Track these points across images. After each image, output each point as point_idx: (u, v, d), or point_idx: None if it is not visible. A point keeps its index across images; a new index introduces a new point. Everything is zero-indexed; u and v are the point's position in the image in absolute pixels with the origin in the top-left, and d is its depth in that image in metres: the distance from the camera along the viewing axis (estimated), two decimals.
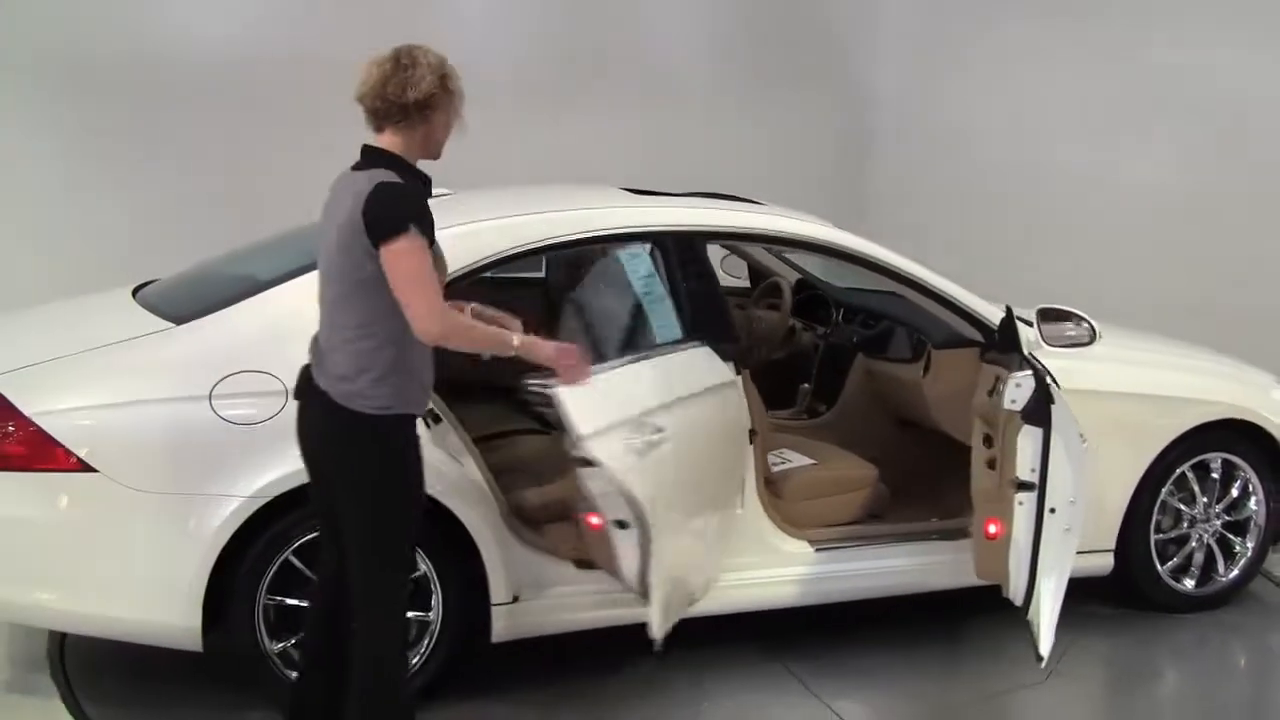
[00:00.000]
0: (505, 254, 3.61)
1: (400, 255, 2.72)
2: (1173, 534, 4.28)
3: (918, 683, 3.78)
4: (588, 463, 3.15)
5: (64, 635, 3.81)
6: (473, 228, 3.63)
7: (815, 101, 7.93)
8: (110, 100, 6.10)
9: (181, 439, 3.27)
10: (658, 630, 3.29)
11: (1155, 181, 6.66)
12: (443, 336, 2.79)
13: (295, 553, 3.35)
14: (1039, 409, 3.43)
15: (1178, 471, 4.21)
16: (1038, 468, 3.41)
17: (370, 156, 2.88)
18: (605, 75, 7.14)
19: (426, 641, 3.47)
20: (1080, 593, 3.82)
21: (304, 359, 3.31)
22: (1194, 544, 4.30)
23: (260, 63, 6.31)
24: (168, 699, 3.60)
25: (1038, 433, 3.41)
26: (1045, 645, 3.45)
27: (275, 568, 3.33)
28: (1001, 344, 3.74)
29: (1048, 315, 4.03)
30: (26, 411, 3.22)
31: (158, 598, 3.29)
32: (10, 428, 3.22)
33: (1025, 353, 3.68)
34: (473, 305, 3.10)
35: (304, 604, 3.34)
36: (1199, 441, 4.21)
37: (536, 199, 4.09)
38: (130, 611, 3.31)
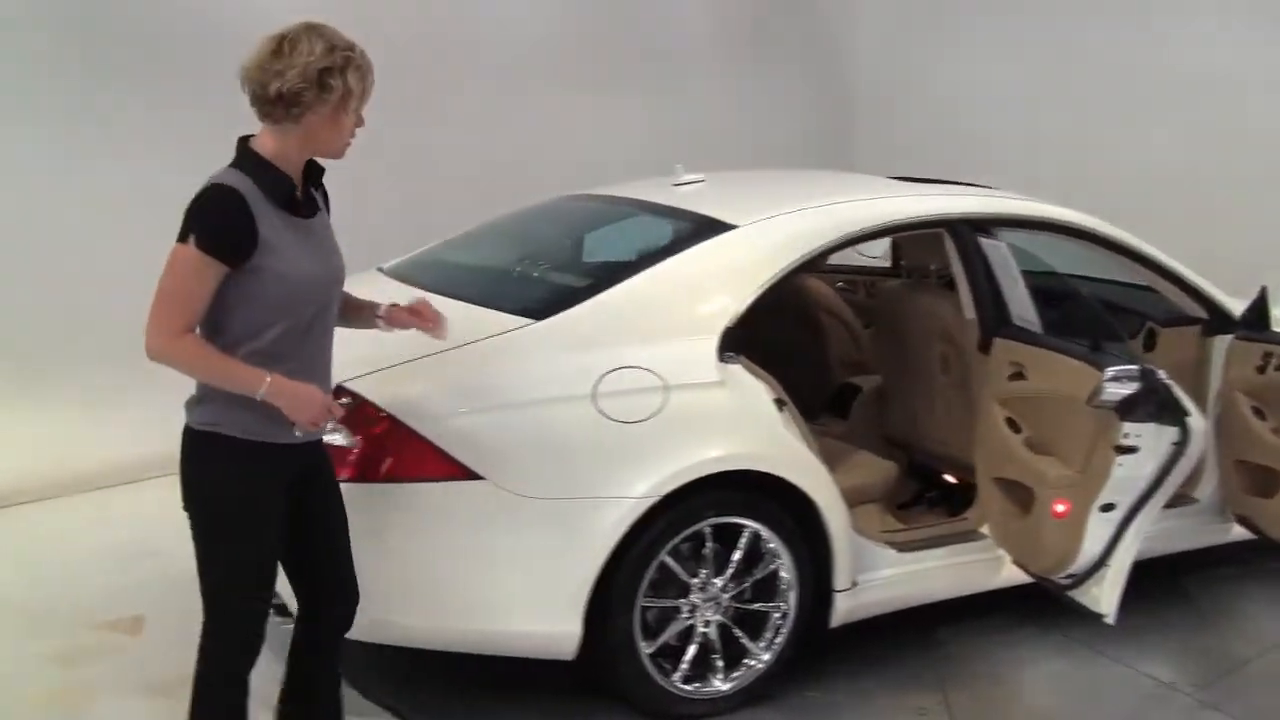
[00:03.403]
0: (834, 242, 3.57)
1: (168, 262, 2.43)
2: None
3: (1201, 638, 3.98)
4: (1127, 450, 3.25)
5: (379, 648, 3.56)
6: (809, 214, 3.58)
7: (800, 72, 8.02)
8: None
9: (568, 441, 3.11)
10: (1111, 605, 3.42)
11: (1146, 155, 6.86)
12: (159, 355, 2.44)
13: (670, 553, 3.24)
14: None
15: None
16: None
17: (237, 152, 2.54)
18: (599, 51, 7.04)
19: (779, 633, 3.44)
20: None
21: (671, 353, 3.25)
22: None
23: None
24: (485, 709, 3.46)
25: None
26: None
27: (654, 569, 3.23)
28: (1255, 322, 3.98)
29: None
30: (402, 417, 3.00)
31: (543, 607, 3.13)
32: (386, 435, 3.00)
33: None
34: (391, 305, 2.88)
35: (679, 604, 3.29)
36: None
37: (825, 186, 4.06)
38: (515, 624, 3.14)
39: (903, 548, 3.68)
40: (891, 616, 3.71)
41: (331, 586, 2.85)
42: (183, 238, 2.42)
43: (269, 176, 2.49)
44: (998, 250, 3.66)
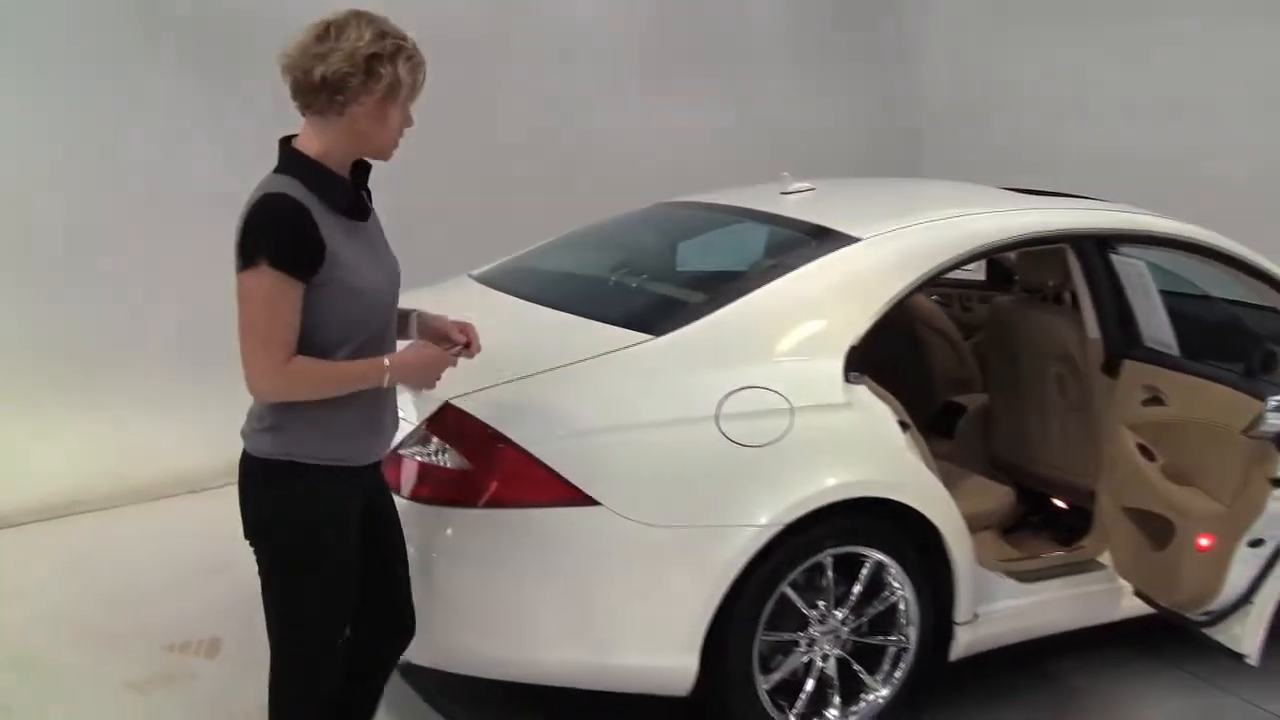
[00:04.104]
0: (961, 257, 3.37)
1: (242, 295, 2.26)
2: None
3: None
4: None
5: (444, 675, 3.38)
6: (947, 224, 3.41)
7: (870, 77, 7.87)
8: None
9: (689, 465, 2.92)
10: (1254, 645, 3.21)
11: (1222, 163, 6.68)
12: (277, 395, 2.32)
13: (789, 584, 3.05)
14: None
15: None
16: None
17: (280, 156, 2.36)
18: (670, 54, 6.87)
19: (898, 668, 3.25)
20: None
21: (796, 372, 3.07)
22: None
23: None
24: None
25: None
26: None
27: (773, 601, 3.04)
28: None
29: None
30: (515, 438, 2.82)
31: (658, 641, 2.93)
32: (497, 456, 2.81)
33: None
34: (415, 311, 2.66)
35: (797, 637, 3.10)
36: None
37: (942, 197, 3.86)
38: (626, 658, 2.94)
39: (1022, 578, 3.48)
40: (1006, 647, 3.52)
41: (390, 616, 2.73)
42: (251, 262, 2.23)
43: (325, 180, 2.32)
44: (1134, 268, 3.45)
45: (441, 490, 2.87)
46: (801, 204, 3.69)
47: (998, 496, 3.76)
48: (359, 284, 2.33)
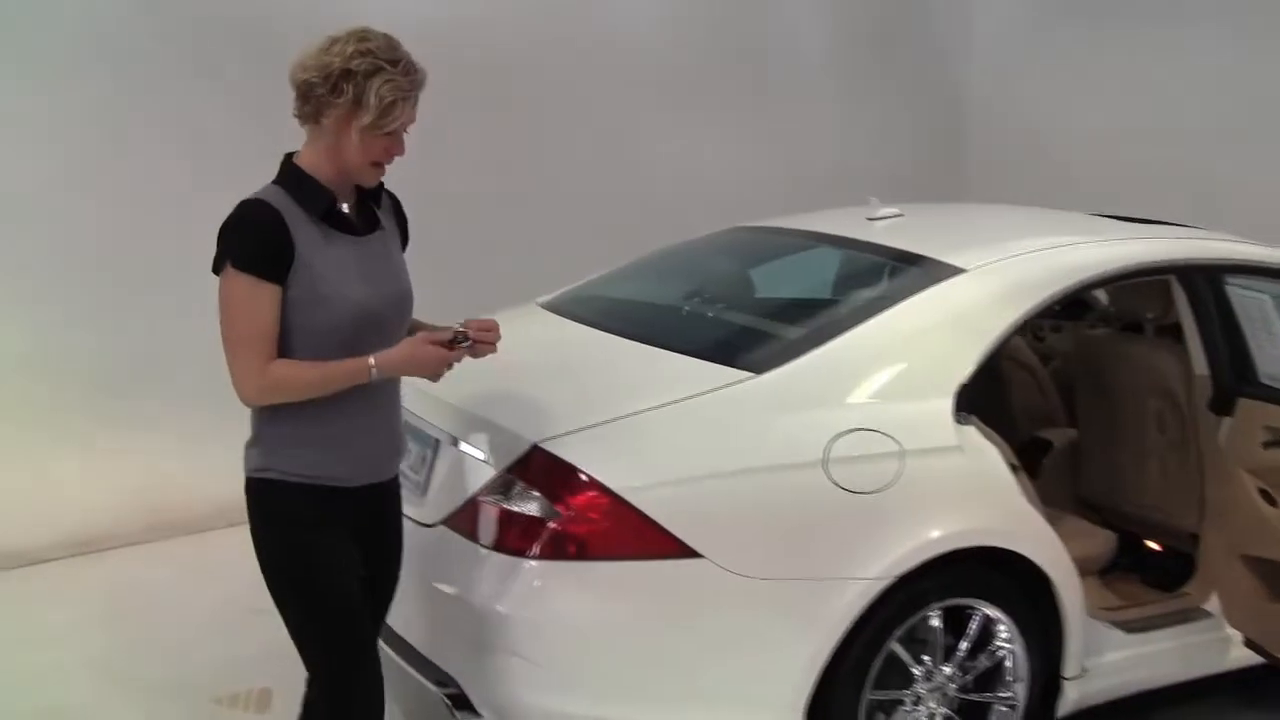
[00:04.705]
0: (1069, 289, 3.17)
1: (219, 297, 2.28)
2: None
3: None
4: None
5: None
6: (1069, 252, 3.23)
7: (912, 100, 7.71)
8: None
9: (796, 513, 2.72)
10: None
11: (1262, 189, 6.65)
12: (259, 398, 2.30)
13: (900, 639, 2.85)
14: None
15: None
16: None
17: (280, 168, 2.40)
18: (710, 76, 6.69)
19: None
20: None
21: (905, 413, 2.87)
22: None
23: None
24: None
25: None
26: None
27: (882, 659, 2.83)
28: None
29: None
30: (612, 485, 2.61)
31: (760, 701, 2.72)
32: (593, 506, 2.60)
33: None
34: (422, 330, 2.58)
35: (903, 695, 2.90)
36: None
37: (1040, 225, 3.67)
38: (725, 718, 2.74)
39: (1128, 628, 3.28)
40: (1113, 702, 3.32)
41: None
42: (218, 268, 2.28)
43: (305, 188, 2.33)
44: (1254, 302, 3.26)
45: (527, 541, 2.65)
46: (891, 230, 3.49)
47: (1100, 541, 3.56)
48: (327, 291, 2.29)
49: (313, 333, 2.30)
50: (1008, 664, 3.04)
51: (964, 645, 2.96)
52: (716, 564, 2.63)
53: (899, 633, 2.83)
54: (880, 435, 2.78)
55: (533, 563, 2.63)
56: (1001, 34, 7.89)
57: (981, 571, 2.93)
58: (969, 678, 3.00)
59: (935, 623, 2.90)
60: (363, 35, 2.31)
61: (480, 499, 2.75)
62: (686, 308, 3.50)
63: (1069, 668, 3.09)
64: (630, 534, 2.61)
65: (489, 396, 2.98)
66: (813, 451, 2.72)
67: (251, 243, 2.25)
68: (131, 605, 4.25)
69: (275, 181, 2.36)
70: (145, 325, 4.79)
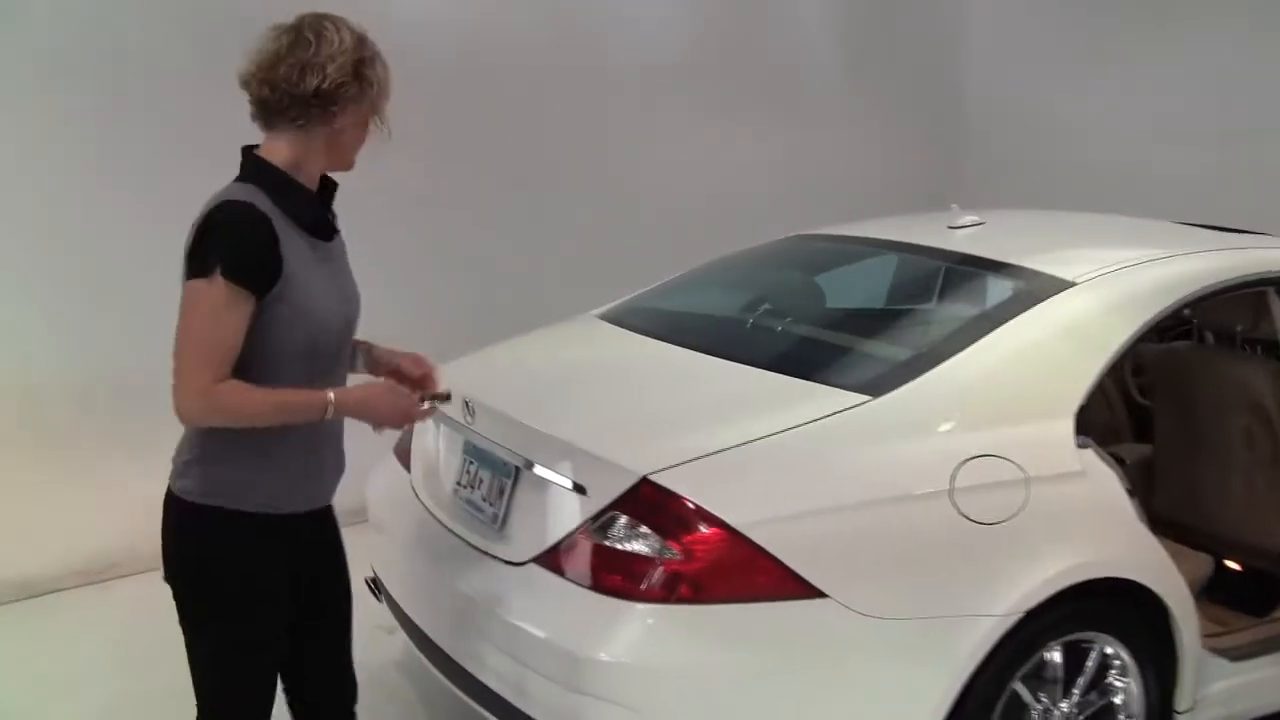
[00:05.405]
0: (1180, 301, 3.02)
1: (187, 304, 2.10)
2: None
3: None
4: None
5: None
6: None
7: (910, 103, 7.61)
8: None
9: (922, 547, 2.54)
10: None
11: (1261, 187, 6.60)
12: (200, 417, 2.14)
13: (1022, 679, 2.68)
14: None
15: None
16: None
17: (244, 166, 2.23)
18: (714, 84, 6.51)
19: None
20: None
21: (1026, 436, 2.70)
22: None
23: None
24: None
25: None
26: None
27: (1005, 699, 2.66)
28: None
29: None
30: (731, 520, 2.41)
31: None
32: (715, 546, 2.40)
33: None
34: (365, 343, 2.49)
35: None
36: None
37: (1137, 234, 3.52)
38: None
39: (1233, 655, 3.14)
40: None
41: (334, 675, 2.55)
42: (202, 271, 2.08)
43: (293, 194, 2.20)
44: None
45: (635, 582, 2.45)
46: (977, 239, 3.32)
47: (1198, 565, 3.42)
48: (312, 305, 2.19)
49: (292, 349, 2.19)
50: (1118, 700, 2.89)
51: (1081, 681, 2.80)
52: (841, 604, 2.43)
53: (1023, 670, 2.67)
54: (1005, 461, 2.61)
55: (642, 605, 2.43)
56: (1000, 35, 7.81)
57: (1102, 603, 2.77)
58: (1083, 716, 2.85)
59: (1056, 658, 2.74)
60: (335, 19, 2.20)
61: (581, 535, 2.54)
62: (768, 322, 3.30)
63: (1182, 700, 2.94)
64: (751, 573, 2.42)
65: (575, 419, 2.78)
66: (939, 480, 2.54)
67: (245, 251, 2.09)
68: (150, 640, 3.82)
69: (248, 180, 2.18)
70: (152, 347, 4.47)
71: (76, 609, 4.24)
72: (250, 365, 2.14)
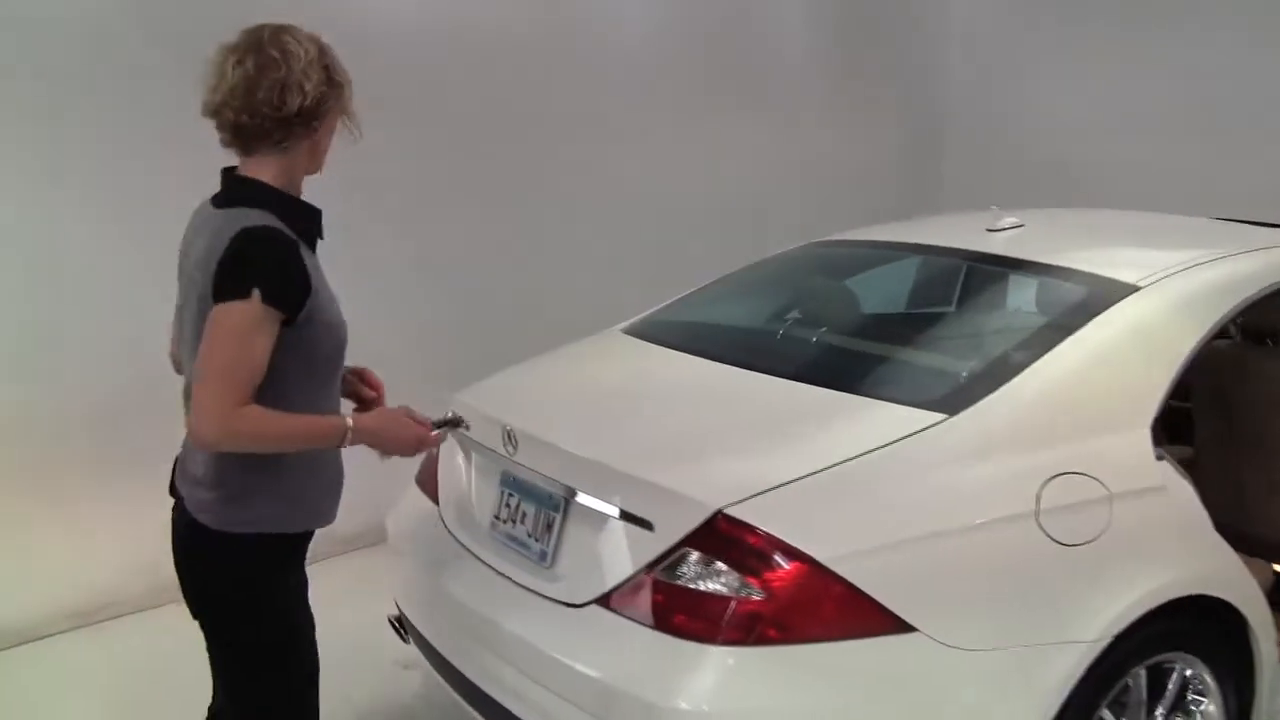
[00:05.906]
0: (1245, 301, 2.91)
1: (219, 326, 2.07)
2: None
3: None
4: None
5: None
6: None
7: (887, 101, 7.54)
8: None
9: (1008, 573, 2.40)
10: None
11: (1237, 183, 6.58)
12: (222, 442, 2.10)
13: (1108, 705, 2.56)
14: None
15: None
16: None
17: (237, 190, 2.20)
18: (691, 82, 6.37)
19: None
20: None
21: (1106, 451, 2.58)
22: None
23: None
24: None
25: None
26: None
27: None
28: None
29: None
30: (816, 555, 2.26)
31: None
32: (800, 582, 2.25)
33: None
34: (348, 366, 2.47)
35: None
36: None
37: (1187, 232, 3.41)
38: None
39: None
40: None
41: None
42: (242, 293, 2.06)
43: (300, 212, 2.21)
44: None
45: (713, 624, 2.28)
46: (1023, 243, 3.20)
47: (1260, 573, 3.32)
48: (333, 319, 2.23)
49: (319, 362, 2.22)
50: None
51: (1162, 705, 2.69)
52: (931, 637, 2.29)
53: (1110, 696, 2.55)
54: (1087, 479, 2.49)
55: (721, 649, 2.27)
56: (979, 34, 7.79)
57: (1184, 622, 2.66)
58: None
59: (1141, 681, 2.62)
60: (289, 32, 2.16)
61: (648, 575, 2.38)
62: (816, 335, 3.14)
63: (1259, 715, 2.85)
64: (838, 610, 2.27)
65: (629, 447, 2.60)
66: (1024, 502, 2.41)
67: (286, 276, 2.10)
68: (148, 686, 3.72)
69: (253, 205, 2.16)
70: (135, 378, 4.23)
71: (71, 653, 3.99)
72: (275, 382, 2.13)
